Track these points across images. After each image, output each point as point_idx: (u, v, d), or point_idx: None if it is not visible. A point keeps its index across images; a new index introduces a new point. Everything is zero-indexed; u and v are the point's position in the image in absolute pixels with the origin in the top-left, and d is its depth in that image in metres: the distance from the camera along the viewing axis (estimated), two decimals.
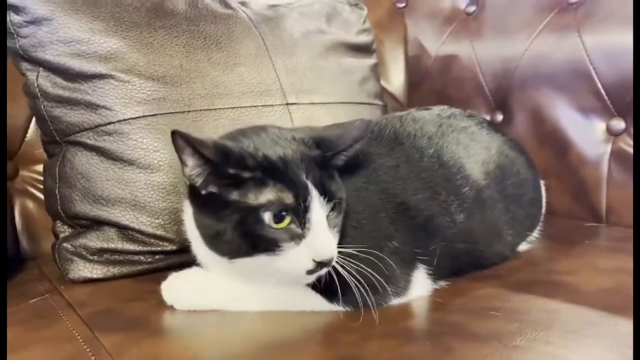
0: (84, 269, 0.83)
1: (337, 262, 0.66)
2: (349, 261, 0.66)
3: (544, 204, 1.02)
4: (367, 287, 0.67)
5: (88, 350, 0.60)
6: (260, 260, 0.64)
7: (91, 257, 0.83)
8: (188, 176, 0.64)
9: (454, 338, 0.62)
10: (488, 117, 1.26)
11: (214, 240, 0.66)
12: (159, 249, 0.84)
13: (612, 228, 1.05)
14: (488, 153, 0.89)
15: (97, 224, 0.85)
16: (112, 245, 0.84)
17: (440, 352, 0.59)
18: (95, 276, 0.82)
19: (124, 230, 0.84)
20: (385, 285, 0.70)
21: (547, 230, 1.00)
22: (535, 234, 0.98)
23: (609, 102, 1.07)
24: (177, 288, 0.73)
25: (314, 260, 0.63)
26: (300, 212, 0.63)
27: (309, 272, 0.64)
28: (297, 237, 0.63)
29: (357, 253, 0.67)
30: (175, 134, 0.62)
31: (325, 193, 0.65)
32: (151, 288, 0.75)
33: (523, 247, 0.94)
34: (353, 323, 0.66)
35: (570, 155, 1.12)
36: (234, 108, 0.91)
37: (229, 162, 0.62)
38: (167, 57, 0.88)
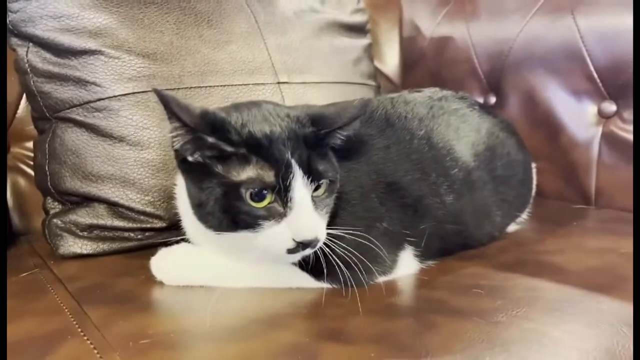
0: (73, 245, 0.83)
1: (325, 243, 0.66)
2: (336, 242, 0.67)
3: (534, 186, 1.03)
4: (353, 266, 0.68)
5: (75, 323, 0.61)
6: (242, 236, 0.64)
7: (81, 233, 0.84)
8: (170, 137, 0.64)
9: (437, 314, 0.63)
10: (481, 100, 1.26)
11: (199, 210, 0.66)
12: (148, 225, 0.85)
13: (601, 210, 1.05)
14: (478, 135, 0.90)
15: (87, 200, 0.85)
16: (101, 222, 0.84)
17: (422, 327, 0.60)
18: (84, 252, 0.83)
19: (113, 206, 0.84)
20: (371, 264, 0.71)
21: (536, 212, 1.01)
22: (525, 215, 0.98)
23: (600, 85, 1.07)
24: (166, 263, 0.74)
25: (294, 240, 0.63)
26: (281, 191, 0.62)
27: (290, 252, 0.64)
28: (279, 216, 0.63)
29: (344, 235, 0.67)
30: (155, 94, 0.61)
31: (311, 172, 0.64)
32: (141, 264, 0.76)
33: (512, 227, 0.94)
34: (339, 299, 0.67)
35: (561, 137, 1.13)
36: (224, 86, 0.91)
37: (210, 131, 0.62)
38: (158, 33, 0.88)
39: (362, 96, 1.07)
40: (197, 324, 0.62)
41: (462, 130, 0.88)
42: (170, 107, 0.61)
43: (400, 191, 0.78)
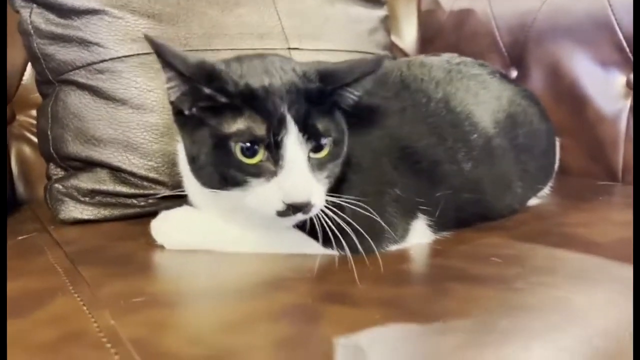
0: (74, 210, 0.80)
1: (330, 209, 0.61)
2: (344, 208, 0.62)
3: (557, 159, 0.97)
4: (362, 233, 0.64)
5: (67, 281, 0.58)
6: (233, 195, 0.60)
7: (82, 199, 0.81)
8: (166, 89, 0.61)
9: (450, 281, 0.58)
10: None
11: (193, 165, 0.63)
12: (151, 192, 0.82)
13: (628, 186, 1.00)
14: (499, 102, 0.85)
15: (89, 165, 0.82)
16: (103, 187, 0.81)
17: (434, 293, 0.56)
18: (85, 217, 0.80)
19: (115, 172, 0.82)
20: (382, 232, 0.67)
21: (559, 188, 0.95)
22: (547, 189, 0.93)
23: (630, 55, 1.01)
24: (167, 226, 0.70)
25: (283, 202, 0.58)
26: (272, 147, 0.58)
27: (280, 214, 0.59)
28: (269, 174, 0.58)
29: (351, 202, 0.63)
30: (147, 41, 0.58)
31: (307, 129, 0.59)
32: (142, 230, 0.73)
33: (533, 201, 0.89)
34: (346, 265, 0.62)
35: (587, 111, 1.07)
36: (232, 50, 0.87)
37: (207, 81, 0.58)
38: None
39: None
40: (195, 285, 0.59)
41: (482, 95, 0.84)
42: (164, 55, 0.58)
43: (415, 156, 0.74)
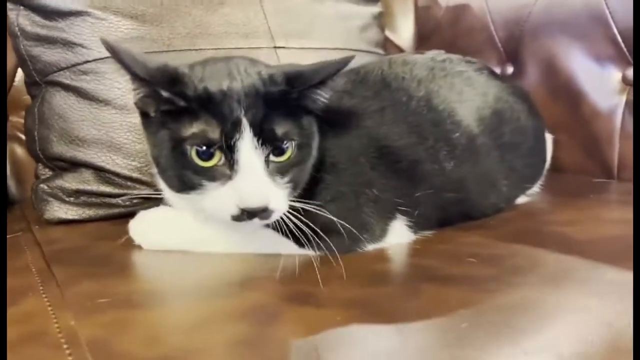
0: (59, 210, 0.81)
1: (304, 210, 0.61)
2: (317, 210, 0.62)
3: (548, 157, 0.96)
4: (339, 234, 0.63)
5: (39, 281, 0.59)
6: (192, 198, 0.60)
7: (67, 199, 0.82)
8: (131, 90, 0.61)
9: (422, 281, 0.58)
10: (498, 70, 1.19)
11: (157, 168, 0.63)
12: (135, 192, 0.83)
13: (624, 183, 0.98)
14: (484, 99, 0.84)
15: (74, 165, 0.83)
16: (87, 187, 0.82)
17: (402, 293, 0.55)
18: (69, 217, 0.81)
19: (99, 172, 0.82)
20: (359, 232, 0.66)
21: (551, 186, 0.94)
22: (537, 187, 0.92)
23: (625, 50, 0.99)
24: (144, 227, 0.70)
25: (238, 207, 0.57)
26: (227, 151, 0.57)
27: (236, 219, 0.58)
28: (225, 178, 0.58)
29: (329, 201, 0.63)
30: (103, 44, 0.58)
31: (263, 133, 0.57)
32: (125, 230, 0.73)
33: (522, 200, 0.88)
34: (320, 265, 0.62)
35: (582, 107, 1.05)
36: (216, 49, 0.87)
37: (167, 85, 0.58)
38: None
39: None
40: (163, 286, 0.59)
41: (466, 93, 0.82)
42: (120, 59, 0.58)
43: (394, 155, 0.73)
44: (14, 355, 0.44)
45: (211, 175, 0.58)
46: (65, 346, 0.45)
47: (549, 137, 0.98)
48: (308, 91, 0.62)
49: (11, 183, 1.00)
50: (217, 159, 0.58)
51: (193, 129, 0.57)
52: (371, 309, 0.52)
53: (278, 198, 0.59)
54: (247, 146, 0.57)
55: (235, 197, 0.57)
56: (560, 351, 0.46)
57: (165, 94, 0.58)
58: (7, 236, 0.75)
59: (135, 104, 0.63)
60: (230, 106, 0.57)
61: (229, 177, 0.58)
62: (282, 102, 0.60)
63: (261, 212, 0.58)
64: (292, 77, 0.61)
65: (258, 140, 0.57)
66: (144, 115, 0.63)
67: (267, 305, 0.52)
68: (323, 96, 0.64)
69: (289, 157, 0.60)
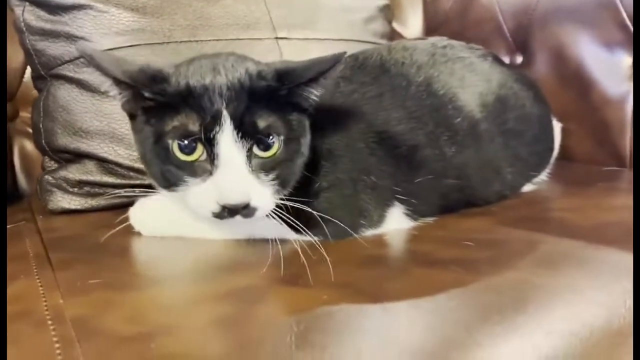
0: (62, 200, 0.82)
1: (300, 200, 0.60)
2: (317, 196, 0.62)
3: (556, 145, 0.94)
4: (336, 220, 0.63)
5: (34, 265, 0.59)
6: (176, 195, 0.60)
7: (71, 189, 0.83)
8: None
9: (413, 264, 0.58)
10: (507, 59, 1.17)
11: (144, 166, 0.63)
12: (137, 182, 0.83)
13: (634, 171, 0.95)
14: (487, 85, 0.82)
15: (78, 156, 0.84)
16: (90, 178, 0.83)
17: (391, 275, 0.55)
18: (72, 207, 0.82)
19: (102, 162, 0.83)
20: (356, 219, 0.66)
21: (559, 174, 0.92)
22: (543, 175, 0.90)
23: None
24: (143, 214, 0.71)
25: (217, 203, 0.57)
26: (208, 145, 0.56)
27: (216, 216, 0.58)
28: (206, 174, 0.57)
29: (326, 187, 0.63)
30: (79, 51, 0.58)
31: (244, 127, 0.56)
32: (126, 218, 0.74)
33: (528, 188, 0.86)
34: (314, 250, 0.61)
35: (592, 95, 1.03)
36: (217, 40, 0.88)
37: (148, 84, 0.58)
38: None
39: None
40: (155, 269, 0.60)
41: (469, 78, 0.81)
42: (98, 65, 0.57)
43: (392, 140, 0.72)
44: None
45: (192, 170, 0.57)
46: (49, 322, 0.45)
47: (557, 126, 0.96)
48: (298, 88, 0.60)
49: (21, 176, 1.02)
50: (199, 153, 0.57)
51: (174, 122, 0.57)
52: (357, 289, 0.51)
53: (262, 195, 0.58)
54: (227, 139, 0.56)
55: (215, 193, 0.56)
56: (550, 330, 0.45)
57: (147, 93, 0.58)
58: (10, 225, 0.76)
59: (122, 107, 0.63)
60: (211, 99, 0.56)
61: (210, 173, 0.57)
62: (269, 97, 0.59)
63: (242, 209, 0.57)
64: (282, 74, 0.59)
65: (238, 134, 0.56)
66: (132, 117, 0.63)
67: (255, 287, 0.52)
68: (314, 94, 0.62)
69: (274, 153, 0.59)
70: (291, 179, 0.63)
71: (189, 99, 0.57)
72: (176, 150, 0.57)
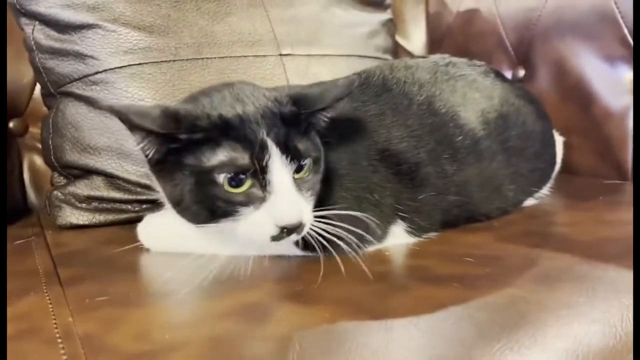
0: (70, 216, 0.84)
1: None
2: (322, 219, 0.63)
3: (558, 160, 0.95)
4: (340, 238, 0.64)
5: (43, 281, 0.61)
6: (223, 227, 0.60)
7: (79, 205, 0.85)
8: (140, 149, 0.61)
9: (413, 280, 0.58)
10: (509, 73, 1.19)
11: (178, 208, 0.62)
12: (144, 197, 0.84)
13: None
14: (489, 102, 0.83)
15: (86, 172, 0.86)
16: (98, 194, 0.85)
17: (390, 291, 0.55)
18: (80, 222, 0.84)
19: (110, 178, 0.85)
20: (359, 236, 0.67)
21: (561, 188, 0.93)
22: (545, 190, 0.91)
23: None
24: (151, 230, 0.73)
25: (277, 226, 0.58)
26: (259, 174, 0.58)
27: (275, 239, 0.59)
28: (258, 201, 0.58)
29: (330, 215, 0.63)
30: (111, 112, 0.58)
31: (289, 151, 0.59)
32: (134, 234, 0.75)
33: (529, 202, 0.87)
34: (317, 266, 0.63)
35: (594, 108, 1.03)
36: (222, 58, 0.89)
37: (181, 128, 0.57)
38: (155, 6, 0.88)
39: None
40: (162, 285, 0.61)
41: (470, 96, 0.82)
42: (131, 120, 0.57)
43: (394, 158, 0.74)
44: (11, 349, 0.46)
45: (244, 200, 0.58)
46: (59, 340, 0.47)
47: (559, 140, 0.97)
48: (314, 113, 0.64)
49: (30, 191, 1.04)
50: (249, 184, 0.58)
51: (218, 157, 0.57)
52: (358, 305, 0.53)
53: (308, 212, 0.61)
54: (277, 166, 0.58)
55: (273, 217, 0.58)
56: (547, 347, 0.46)
57: (183, 136, 0.58)
58: (20, 241, 0.78)
59: (149, 159, 0.62)
60: (252, 129, 0.58)
61: (263, 199, 0.58)
62: (295, 121, 0.62)
63: (297, 227, 0.59)
64: (297, 99, 0.63)
65: (286, 158, 0.59)
66: (155, 162, 0.62)
67: (259, 304, 0.53)
68: (326, 116, 0.66)
69: (307, 172, 0.62)
70: (317, 193, 0.65)
71: (228, 131, 0.58)
72: (226, 184, 0.58)
